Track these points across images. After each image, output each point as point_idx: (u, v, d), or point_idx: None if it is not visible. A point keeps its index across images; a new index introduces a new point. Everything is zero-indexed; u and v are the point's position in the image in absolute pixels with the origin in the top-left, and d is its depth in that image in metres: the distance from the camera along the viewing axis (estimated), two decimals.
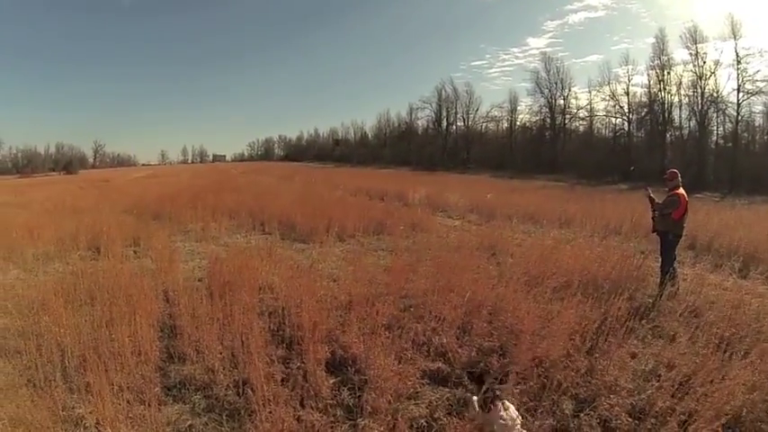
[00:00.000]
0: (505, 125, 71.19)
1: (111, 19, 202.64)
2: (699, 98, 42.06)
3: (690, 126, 44.61)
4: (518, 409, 3.41)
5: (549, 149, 58.04)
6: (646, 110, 48.63)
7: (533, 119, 64.89)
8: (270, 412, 3.57)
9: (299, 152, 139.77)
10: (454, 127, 77.93)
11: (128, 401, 3.81)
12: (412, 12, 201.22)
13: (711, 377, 3.96)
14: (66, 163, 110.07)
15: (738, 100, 38.44)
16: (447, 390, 4.24)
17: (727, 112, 40.31)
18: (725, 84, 39.98)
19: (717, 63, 40.07)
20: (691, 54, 42.11)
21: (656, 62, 46.17)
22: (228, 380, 4.28)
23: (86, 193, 28.46)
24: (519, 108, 68.46)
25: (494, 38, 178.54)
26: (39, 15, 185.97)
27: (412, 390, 4.15)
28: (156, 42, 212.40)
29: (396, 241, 10.30)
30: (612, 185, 33.06)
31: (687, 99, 43.89)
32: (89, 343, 4.68)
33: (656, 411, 3.71)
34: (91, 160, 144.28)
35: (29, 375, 4.35)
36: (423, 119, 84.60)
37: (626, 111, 50.76)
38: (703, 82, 41.54)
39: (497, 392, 3.29)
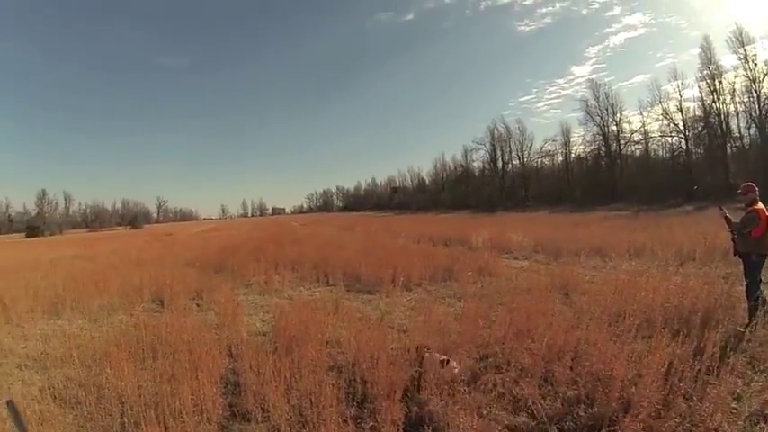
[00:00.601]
0: (560, 158, 71.98)
1: (170, 78, 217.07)
2: (755, 103, 40.70)
3: (750, 134, 42.98)
4: None
5: (606, 178, 57.71)
6: (702, 124, 47.59)
7: (588, 149, 65.26)
8: None
9: (358, 202, 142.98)
10: (510, 165, 78.95)
11: None
12: (446, 55, 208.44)
13: None
14: (132, 218, 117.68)
15: None
16: None
17: None
18: None
19: None
20: (740, 58, 41.11)
21: (704, 72, 45.52)
22: None
23: (150, 246, 29.74)
24: (572, 139, 69.24)
25: (537, 71, 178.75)
26: (98, 78, 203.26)
27: None
28: (214, 98, 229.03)
29: (463, 287, 10.05)
30: (677, 208, 32.40)
31: (743, 106, 42.73)
32: (150, 398, 4.59)
33: None
34: (155, 215, 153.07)
35: (88, 427, 4.32)
36: (478, 160, 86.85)
37: (681, 128, 49.86)
38: (758, 85, 40.05)
39: None
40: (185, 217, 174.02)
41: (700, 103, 47.26)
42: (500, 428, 4.04)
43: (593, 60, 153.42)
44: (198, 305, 9.97)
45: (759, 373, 4.77)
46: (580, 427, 3.95)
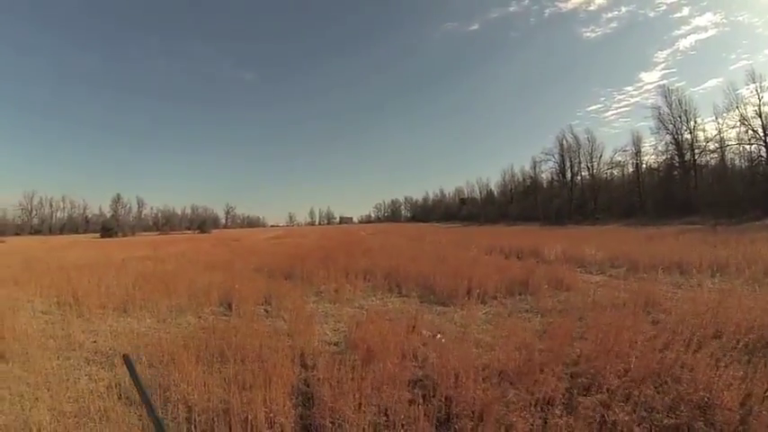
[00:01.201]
0: (631, 169, 69.75)
1: (237, 89, 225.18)
2: None
3: None
4: None
5: (679, 189, 54.99)
6: None
7: (660, 158, 62.83)
8: None
9: (426, 212, 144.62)
10: (579, 177, 77.69)
11: None
12: (512, 64, 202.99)
13: None
14: (201, 223, 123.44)
15: None
16: None
17: None
18: None
19: None
20: None
21: None
22: None
23: (218, 250, 30.59)
24: (643, 149, 67.00)
25: (604, 78, 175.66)
26: (175, 90, 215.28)
27: None
28: (282, 109, 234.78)
29: (539, 302, 9.85)
30: (756, 222, 30.79)
31: None
32: (218, 405, 4.44)
33: None
34: (223, 221, 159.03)
35: (151, 429, 4.15)
36: (547, 171, 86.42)
37: (761, 134, 46.33)
38: None
39: None
40: (252, 223, 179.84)
41: None
42: None
43: (663, 65, 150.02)
44: (266, 311, 9.94)
45: None
46: None
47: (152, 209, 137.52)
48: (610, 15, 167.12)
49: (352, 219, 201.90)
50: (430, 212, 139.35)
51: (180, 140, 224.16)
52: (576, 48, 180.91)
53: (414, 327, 7.56)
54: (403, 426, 3.93)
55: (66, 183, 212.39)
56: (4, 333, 7.29)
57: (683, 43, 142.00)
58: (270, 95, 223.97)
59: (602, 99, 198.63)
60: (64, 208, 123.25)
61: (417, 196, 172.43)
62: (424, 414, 4.30)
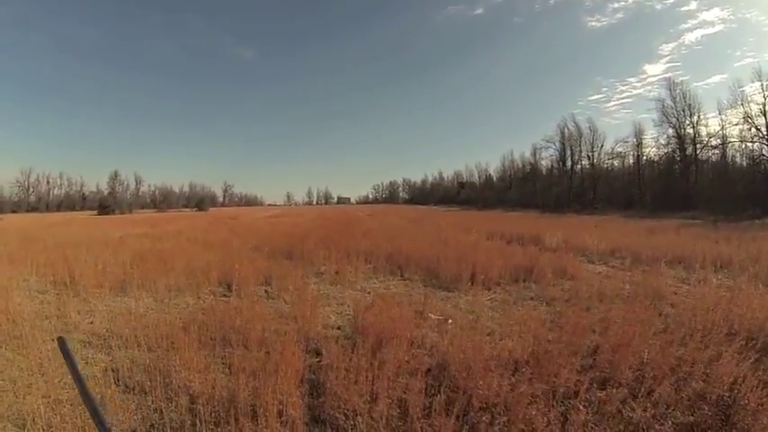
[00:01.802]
0: (631, 161, 69.47)
1: (237, 66, 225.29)
2: None
3: None
4: None
5: (680, 184, 54.94)
6: None
7: (661, 152, 62.36)
8: None
9: (424, 195, 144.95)
10: (579, 166, 77.34)
11: None
12: (515, 49, 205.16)
13: None
14: (198, 200, 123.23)
15: None
16: None
17: None
18: None
19: None
20: None
21: None
22: None
23: (216, 228, 30.47)
24: (644, 141, 66.46)
25: (608, 69, 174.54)
26: (173, 67, 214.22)
27: None
28: (281, 88, 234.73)
29: (544, 290, 9.86)
30: (755, 220, 30.69)
31: None
32: (222, 394, 4.23)
33: None
34: (220, 199, 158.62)
35: (154, 420, 4.03)
36: (547, 159, 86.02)
37: (764, 133, 46.14)
38: None
39: None
40: (250, 202, 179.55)
41: None
42: None
43: (667, 59, 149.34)
44: (267, 292, 9.76)
45: None
46: None
47: (150, 186, 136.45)
48: (616, 5, 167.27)
49: (349, 199, 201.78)
50: (428, 195, 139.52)
51: (178, 117, 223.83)
52: (580, 36, 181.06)
53: (422, 312, 7.39)
54: (419, 419, 3.71)
55: (64, 159, 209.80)
56: None
57: (689, 37, 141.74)
58: (270, 73, 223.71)
59: (605, 89, 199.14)
60: (61, 185, 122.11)
61: (416, 179, 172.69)
62: (445, 406, 4.09)
